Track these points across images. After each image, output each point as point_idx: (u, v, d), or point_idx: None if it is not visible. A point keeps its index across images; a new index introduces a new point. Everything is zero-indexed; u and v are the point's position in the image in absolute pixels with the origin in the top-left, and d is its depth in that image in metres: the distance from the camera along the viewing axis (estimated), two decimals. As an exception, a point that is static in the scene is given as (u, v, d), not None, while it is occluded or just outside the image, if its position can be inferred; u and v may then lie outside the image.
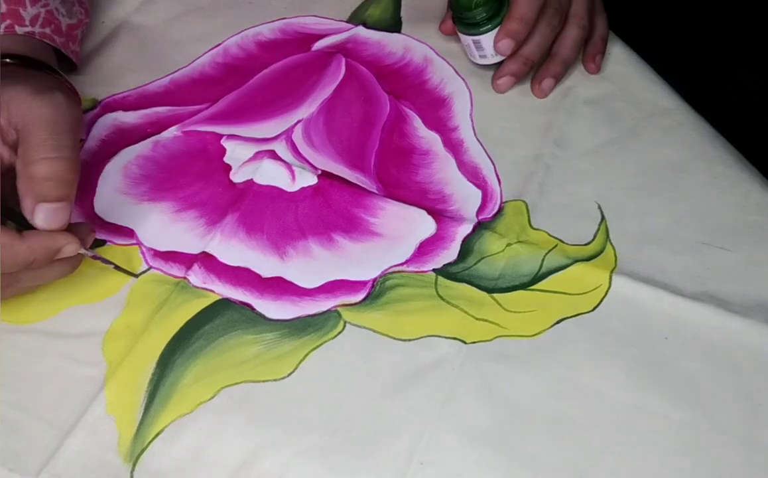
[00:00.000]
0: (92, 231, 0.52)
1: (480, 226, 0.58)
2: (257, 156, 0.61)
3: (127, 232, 0.57)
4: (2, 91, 0.49)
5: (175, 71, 0.67)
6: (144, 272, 0.54)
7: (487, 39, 0.65)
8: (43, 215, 0.48)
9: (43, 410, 0.49)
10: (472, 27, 0.65)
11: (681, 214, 0.59)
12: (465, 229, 0.57)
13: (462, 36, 0.67)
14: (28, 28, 0.56)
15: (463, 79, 0.67)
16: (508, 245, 0.57)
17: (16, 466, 0.47)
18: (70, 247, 0.49)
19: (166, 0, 0.72)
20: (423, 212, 0.58)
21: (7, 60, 0.53)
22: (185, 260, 0.55)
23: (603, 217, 0.59)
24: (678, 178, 0.61)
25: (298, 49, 0.69)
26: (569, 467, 0.47)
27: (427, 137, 0.63)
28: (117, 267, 0.53)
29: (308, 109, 0.64)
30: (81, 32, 0.63)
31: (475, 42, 0.66)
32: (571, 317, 0.54)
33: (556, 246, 0.57)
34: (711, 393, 0.50)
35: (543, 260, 0.56)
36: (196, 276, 0.55)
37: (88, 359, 0.51)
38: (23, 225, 0.49)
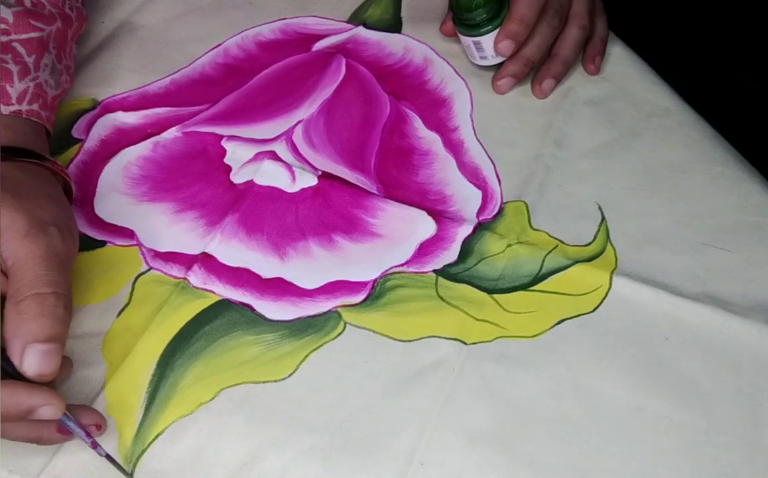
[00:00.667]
0: (98, 421, 0.46)
1: (480, 227, 0.58)
2: (257, 157, 0.61)
3: (127, 233, 0.57)
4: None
5: (176, 72, 0.67)
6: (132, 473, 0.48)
7: (488, 40, 0.65)
8: (32, 358, 0.43)
9: (44, 411, 0.49)
10: (473, 28, 0.65)
11: (681, 215, 0.59)
12: (465, 229, 0.57)
13: (462, 37, 0.67)
14: (14, 107, 0.53)
15: (463, 80, 0.67)
16: (509, 245, 0.57)
17: (17, 467, 0.47)
18: (48, 409, 0.43)
19: (166, 0, 0.72)
20: (423, 213, 0.58)
21: None
22: (185, 260, 0.55)
23: (603, 218, 0.59)
24: (678, 178, 0.61)
25: (298, 49, 0.69)
26: (570, 467, 0.47)
27: (428, 138, 0.63)
28: (109, 458, 0.46)
29: (308, 109, 0.64)
30: (61, 99, 0.60)
31: (475, 43, 0.66)
32: (572, 317, 0.54)
33: (556, 247, 0.57)
34: (711, 394, 0.50)
35: (543, 261, 0.56)
36: (196, 277, 0.55)
37: (88, 360, 0.51)
38: (5, 372, 0.44)
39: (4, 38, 0.54)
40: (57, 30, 0.58)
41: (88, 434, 0.46)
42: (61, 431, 0.46)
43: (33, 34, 0.56)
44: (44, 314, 0.44)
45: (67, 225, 0.48)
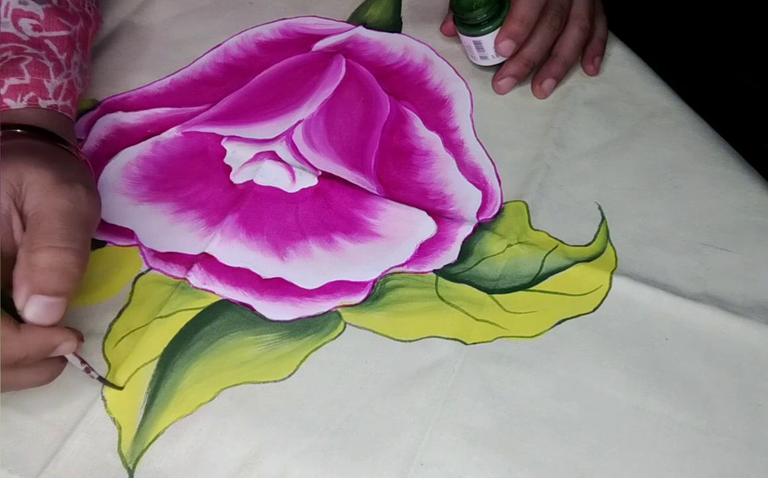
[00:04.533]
0: (80, 338, 0.47)
1: (480, 227, 0.58)
2: (258, 157, 0.61)
3: (127, 233, 0.57)
4: (25, 174, 0.45)
5: (176, 72, 0.67)
6: (123, 387, 0.50)
7: (488, 40, 0.65)
8: (35, 308, 0.44)
9: (44, 411, 0.49)
10: (473, 28, 0.65)
11: (681, 215, 0.59)
12: (465, 230, 0.57)
13: (463, 37, 0.67)
14: (51, 101, 0.53)
15: (463, 80, 0.67)
16: (509, 245, 0.57)
17: (17, 467, 0.47)
18: (67, 344, 0.45)
19: (166, 0, 0.72)
20: (423, 213, 0.58)
21: (18, 131, 0.50)
22: (185, 260, 0.55)
23: (603, 218, 0.59)
24: (678, 178, 0.61)
25: (298, 49, 0.69)
26: (570, 467, 0.47)
27: (428, 138, 0.63)
28: (102, 379, 0.49)
29: (308, 109, 0.64)
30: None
31: (475, 43, 0.66)
32: (572, 317, 0.54)
33: (556, 247, 0.57)
34: (711, 394, 0.50)
35: (543, 261, 0.56)
36: (197, 277, 0.55)
37: (88, 360, 0.50)
38: (17, 316, 0.45)
39: (36, 34, 0.55)
40: (81, 29, 0.58)
41: (86, 365, 0.48)
42: (62, 361, 0.47)
43: (63, 32, 0.56)
44: (54, 268, 0.44)
45: (93, 188, 0.49)
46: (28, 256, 0.44)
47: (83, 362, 0.48)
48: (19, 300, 0.44)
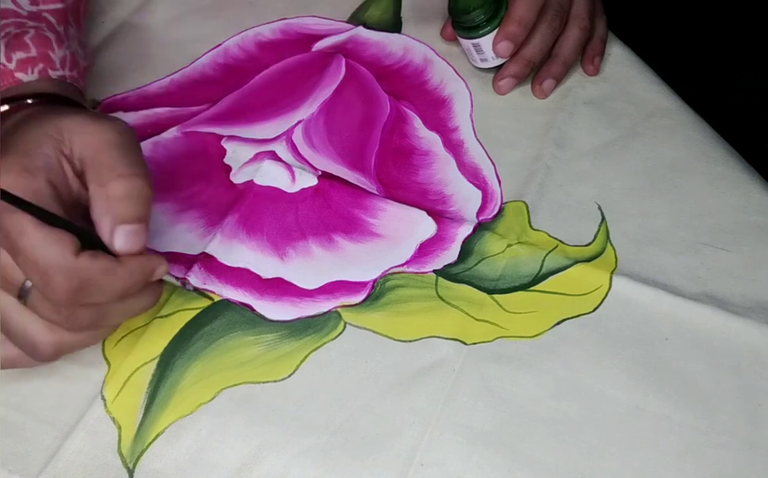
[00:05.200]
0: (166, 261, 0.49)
1: (480, 227, 0.58)
2: (257, 157, 0.61)
3: (127, 233, 0.57)
4: (63, 123, 0.46)
5: (176, 72, 0.67)
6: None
7: (487, 41, 0.65)
8: (123, 238, 0.45)
9: (43, 411, 0.49)
10: (471, 30, 0.65)
11: (681, 215, 0.59)
12: (465, 230, 0.57)
13: (462, 40, 0.67)
14: (60, 72, 0.54)
15: (463, 80, 0.67)
16: (509, 245, 0.57)
17: (16, 467, 0.47)
18: (162, 267, 0.47)
19: (166, 0, 0.72)
20: (423, 213, 0.58)
21: (34, 101, 0.51)
22: (185, 260, 0.55)
23: (603, 218, 0.59)
24: (678, 178, 0.61)
25: (298, 49, 0.69)
26: (570, 468, 0.47)
27: (428, 138, 0.63)
28: (197, 290, 0.52)
29: (308, 109, 0.64)
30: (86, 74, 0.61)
31: (474, 45, 0.66)
32: (572, 317, 0.54)
33: (556, 247, 0.57)
34: (711, 394, 0.50)
35: (543, 261, 0.56)
36: (196, 277, 0.55)
37: (88, 360, 0.50)
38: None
39: (34, 8, 0.55)
40: (73, 3, 0.59)
41: (183, 282, 0.52)
42: (159, 283, 0.49)
43: (58, 5, 0.56)
44: (129, 196, 0.45)
45: (130, 126, 0.49)
46: (100, 191, 0.45)
47: (178, 278, 0.52)
48: (105, 235, 0.45)
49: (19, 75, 0.52)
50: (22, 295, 0.44)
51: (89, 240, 0.45)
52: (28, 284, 0.44)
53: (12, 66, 0.52)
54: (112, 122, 0.47)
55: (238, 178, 0.60)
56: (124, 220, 0.45)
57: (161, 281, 0.48)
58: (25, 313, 0.45)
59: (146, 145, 0.62)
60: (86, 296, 0.44)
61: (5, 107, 0.50)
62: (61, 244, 0.43)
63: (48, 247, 0.42)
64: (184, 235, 0.57)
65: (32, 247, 0.42)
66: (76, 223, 0.45)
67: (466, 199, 0.59)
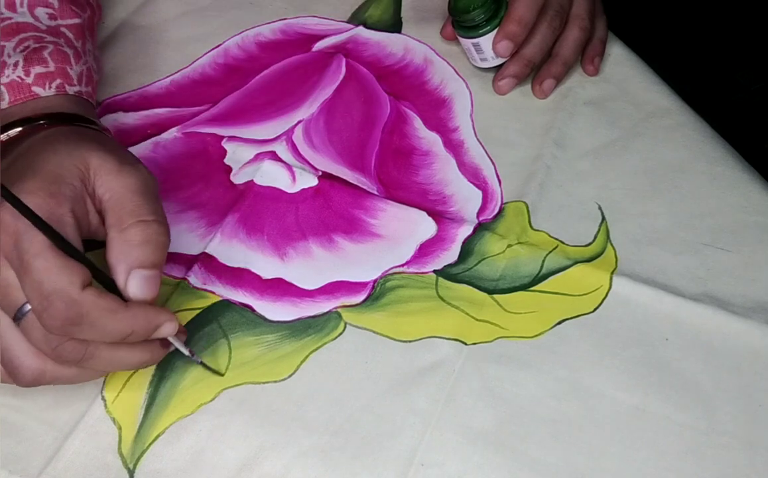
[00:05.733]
0: (184, 331, 0.50)
1: (480, 228, 0.58)
2: (258, 157, 0.61)
3: (128, 234, 0.57)
4: (90, 159, 0.46)
5: (176, 72, 0.67)
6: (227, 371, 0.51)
7: (486, 41, 0.65)
8: (137, 282, 0.44)
9: (43, 411, 0.49)
10: (471, 30, 0.65)
11: (681, 215, 0.59)
12: (465, 230, 0.57)
13: (462, 40, 0.67)
14: (77, 88, 0.54)
15: (463, 80, 0.67)
16: (509, 246, 0.57)
17: (17, 468, 0.47)
18: (170, 325, 0.46)
19: (167, 0, 0.72)
20: (423, 213, 0.58)
21: (49, 122, 0.50)
22: (185, 260, 0.55)
23: (603, 218, 0.59)
24: (678, 178, 0.61)
25: (298, 49, 0.69)
26: (570, 468, 0.47)
27: (428, 138, 0.63)
28: (204, 365, 0.50)
29: (308, 109, 0.64)
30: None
31: (474, 45, 0.66)
32: (572, 318, 0.54)
33: (556, 247, 0.57)
34: (712, 394, 0.50)
35: (543, 261, 0.56)
36: (197, 277, 0.55)
37: (88, 361, 0.51)
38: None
39: (53, 23, 0.55)
40: (88, 17, 0.59)
41: (190, 352, 0.49)
42: (164, 346, 0.48)
43: (75, 20, 0.57)
44: (148, 241, 0.45)
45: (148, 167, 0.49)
46: (120, 235, 0.45)
47: (186, 346, 0.49)
48: (120, 278, 0.45)
49: (37, 89, 0.52)
50: (18, 316, 0.44)
51: (102, 280, 0.45)
52: (27, 307, 0.43)
53: (30, 80, 0.52)
54: (136, 168, 0.47)
55: (238, 178, 0.60)
56: (141, 265, 0.45)
57: (166, 343, 0.48)
58: (15, 334, 0.44)
59: (146, 145, 0.62)
60: (80, 330, 0.43)
61: (17, 130, 0.50)
62: (71, 273, 0.43)
63: (59, 272, 0.42)
64: (184, 236, 0.57)
65: (44, 270, 0.42)
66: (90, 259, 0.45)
67: (466, 199, 0.59)
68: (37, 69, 0.52)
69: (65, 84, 0.53)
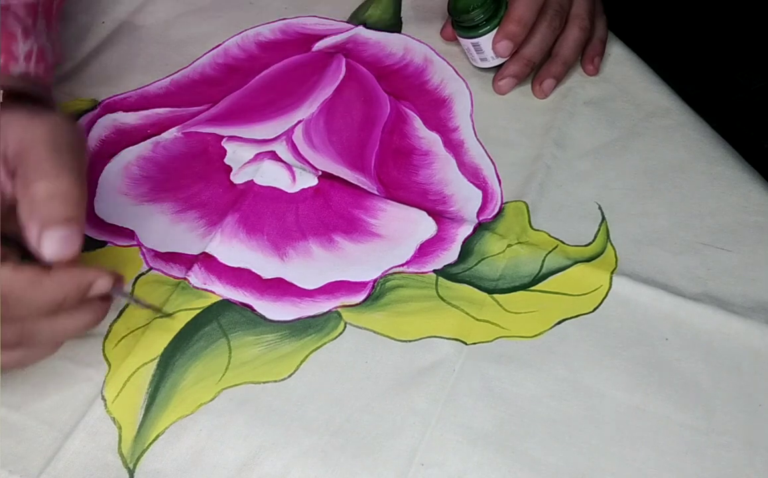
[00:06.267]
0: (119, 278, 0.45)
1: (480, 227, 0.58)
2: (258, 157, 0.61)
3: (128, 234, 0.57)
4: (1, 119, 0.42)
5: (176, 72, 0.67)
6: (175, 313, 0.51)
7: (486, 41, 0.65)
8: (49, 243, 0.41)
9: (44, 411, 0.49)
10: (471, 30, 0.65)
11: (681, 215, 0.59)
12: (465, 230, 0.57)
13: (462, 40, 0.67)
14: (23, 67, 0.50)
15: (463, 80, 0.67)
16: (509, 245, 0.57)
17: (17, 468, 0.47)
18: (102, 280, 0.43)
19: (167, 0, 0.72)
20: (423, 213, 0.58)
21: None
22: (185, 260, 0.55)
23: (603, 218, 0.59)
24: (678, 178, 0.61)
25: (298, 49, 0.69)
26: (570, 467, 0.47)
27: (428, 138, 0.63)
28: (153, 307, 0.49)
29: (308, 109, 0.64)
30: (54, 73, 0.56)
31: (474, 45, 0.66)
32: (572, 317, 0.54)
33: (556, 247, 0.57)
34: (712, 394, 0.50)
35: (543, 261, 0.56)
36: (197, 277, 0.55)
37: (88, 360, 0.51)
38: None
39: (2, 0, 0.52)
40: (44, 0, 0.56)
41: (133, 298, 0.49)
42: (105, 300, 0.45)
43: None
44: (54, 195, 0.41)
45: (71, 118, 0.46)
46: (25, 193, 0.41)
47: (128, 295, 0.46)
48: (32, 240, 0.41)
49: None
50: None
51: (22, 250, 0.42)
52: None
53: None
54: (48, 117, 0.43)
55: (238, 178, 0.60)
56: (51, 221, 0.41)
57: (106, 298, 0.44)
58: None
59: (146, 146, 0.62)
60: (8, 309, 0.40)
61: None
62: None
63: None
64: (185, 236, 0.57)
65: None
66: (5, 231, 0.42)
67: (466, 199, 0.59)
68: None
69: (8, 63, 0.49)
